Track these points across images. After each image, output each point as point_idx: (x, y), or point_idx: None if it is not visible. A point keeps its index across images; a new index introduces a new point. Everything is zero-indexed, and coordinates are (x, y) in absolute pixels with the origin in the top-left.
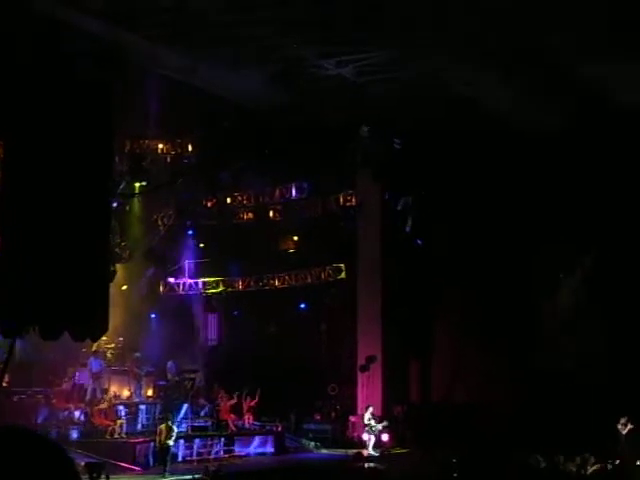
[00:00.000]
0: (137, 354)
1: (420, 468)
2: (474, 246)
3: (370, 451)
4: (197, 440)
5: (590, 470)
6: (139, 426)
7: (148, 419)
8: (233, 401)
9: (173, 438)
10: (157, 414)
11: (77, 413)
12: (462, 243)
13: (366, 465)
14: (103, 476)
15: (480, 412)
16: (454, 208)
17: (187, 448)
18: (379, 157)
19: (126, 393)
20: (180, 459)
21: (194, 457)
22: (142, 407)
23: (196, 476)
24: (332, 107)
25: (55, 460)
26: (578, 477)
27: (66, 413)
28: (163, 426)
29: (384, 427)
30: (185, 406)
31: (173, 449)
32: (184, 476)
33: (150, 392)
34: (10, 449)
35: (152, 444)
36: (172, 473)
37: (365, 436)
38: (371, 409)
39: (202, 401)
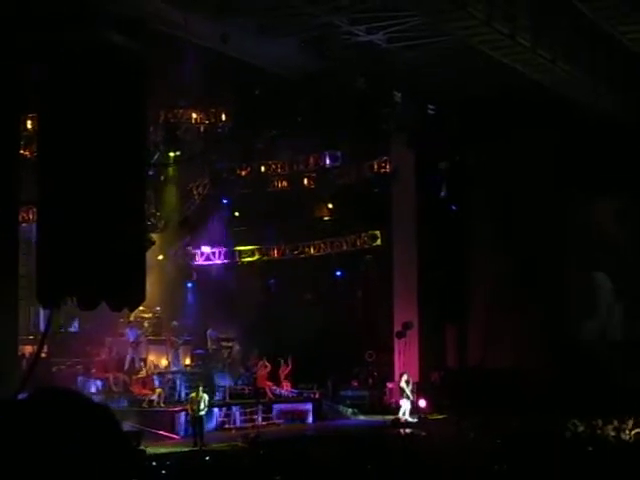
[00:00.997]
0: (174, 323)
1: (458, 434)
2: (509, 211)
3: (407, 417)
4: (235, 408)
5: (630, 434)
6: (177, 395)
7: (186, 388)
8: (269, 368)
9: (205, 407)
10: (194, 382)
11: (116, 383)
12: (497, 208)
13: (403, 431)
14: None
15: (517, 378)
16: (488, 173)
17: (225, 416)
18: (413, 123)
19: (164, 362)
20: (218, 427)
21: (232, 425)
22: (180, 376)
23: (234, 444)
24: (365, 74)
25: (104, 420)
26: (618, 442)
27: (105, 383)
28: (194, 395)
29: (416, 393)
30: (223, 375)
31: (209, 418)
32: (222, 444)
33: (188, 361)
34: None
35: (185, 413)
36: (204, 442)
37: (401, 402)
38: (405, 376)
39: (240, 369)
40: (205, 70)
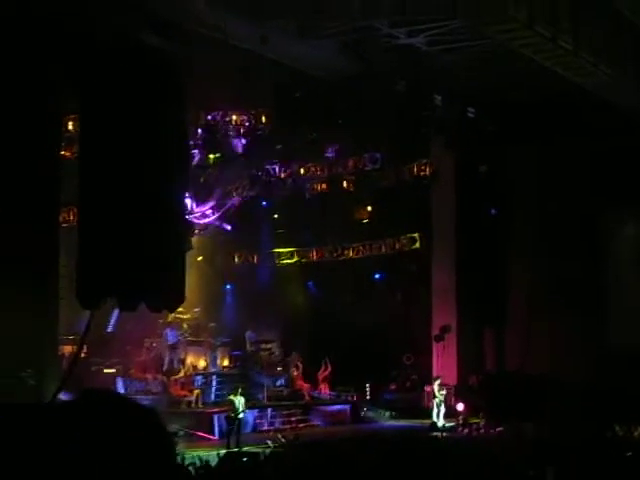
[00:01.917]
0: (212, 324)
1: (496, 438)
2: (548, 216)
3: (441, 421)
4: (272, 410)
5: None
6: (214, 396)
7: (224, 389)
8: (300, 369)
9: (241, 409)
10: (232, 384)
11: (154, 383)
12: (536, 213)
13: (440, 435)
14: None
15: (555, 383)
16: (528, 177)
17: (262, 418)
18: (452, 126)
19: (202, 364)
20: (255, 429)
21: (269, 427)
22: (218, 378)
23: (271, 445)
24: (404, 77)
25: (151, 422)
26: None
27: (143, 384)
28: (232, 396)
29: (445, 397)
30: (260, 376)
31: (246, 419)
32: (258, 445)
33: (226, 362)
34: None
35: (223, 414)
36: (241, 443)
37: (434, 406)
38: (439, 380)
39: (278, 371)
40: (245, 72)
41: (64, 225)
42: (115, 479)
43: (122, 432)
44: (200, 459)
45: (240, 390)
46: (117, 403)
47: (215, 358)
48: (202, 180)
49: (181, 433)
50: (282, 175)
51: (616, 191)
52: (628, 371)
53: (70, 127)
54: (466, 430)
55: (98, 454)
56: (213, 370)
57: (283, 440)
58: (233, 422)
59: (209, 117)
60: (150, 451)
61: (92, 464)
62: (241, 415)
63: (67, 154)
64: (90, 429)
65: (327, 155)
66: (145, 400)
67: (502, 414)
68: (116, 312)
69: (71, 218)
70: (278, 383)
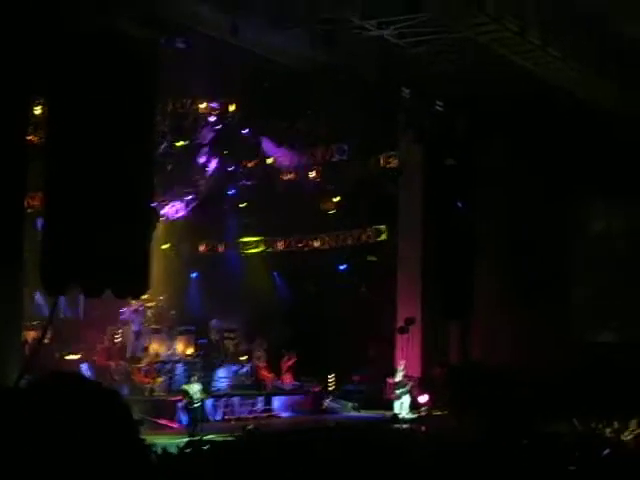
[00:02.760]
0: (172, 312)
1: (455, 431)
2: (516, 210)
3: (405, 413)
4: (235, 399)
5: (630, 436)
6: (177, 384)
7: (187, 377)
8: (264, 359)
9: (198, 397)
10: (195, 372)
11: (118, 370)
12: (504, 207)
13: (402, 426)
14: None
15: (519, 377)
16: (496, 172)
17: (224, 407)
18: (421, 119)
19: (166, 351)
20: (218, 418)
21: (232, 416)
22: (182, 365)
23: (233, 435)
24: (374, 69)
25: (115, 404)
26: (617, 442)
27: (106, 370)
28: (185, 386)
29: (410, 390)
30: (224, 365)
31: (208, 408)
32: (220, 435)
33: (190, 350)
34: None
35: (181, 403)
36: (202, 432)
37: (397, 398)
38: (403, 372)
39: (242, 360)
40: (214, 60)
41: (29, 210)
42: (80, 457)
43: (87, 413)
44: (162, 447)
45: (195, 379)
46: (82, 385)
47: (173, 346)
48: (169, 168)
49: (144, 421)
50: (249, 164)
51: (583, 186)
52: (591, 365)
53: (37, 112)
54: (429, 422)
55: (63, 433)
56: (173, 358)
57: (245, 429)
58: (191, 411)
59: (177, 105)
60: (114, 431)
61: (57, 443)
62: (198, 404)
63: (34, 139)
64: (56, 410)
65: (295, 145)
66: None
67: (465, 406)
68: (80, 298)
69: (36, 204)
70: (242, 372)
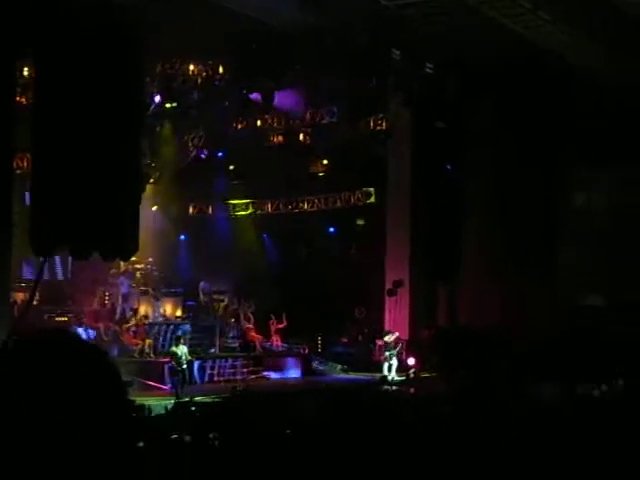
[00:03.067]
0: (155, 273)
1: (443, 392)
2: (505, 173)
3: (393, 375)
4: (224, 361)
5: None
6: (166, 346)
7: (176, 339)
8: (252, 321)
9: (185, 359)
10: (184, 334)
11: (107, 332)
12: (492, 170)
13: (391, 388)
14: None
15: (506, 339)
16: (486, 135)
17: (213, 369)
18: (410, 82)
19: (154, 313)
20: (206, 380)
21: (220, 378)
22: (171, 327)
23: (221, 396)
24: (363, 30)
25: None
26: (602, 401)
27: (95, 332)
28: (174, 348)
29: (398, 352)
30: (213, 327)
31: (196, 370)
32: (208, 396)
33: (178, 312)
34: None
35: (169, 365)
36: (190, 394)
37: (386, 360)
38: (391, 334)
39: (231, 322)
40: (203, 22)
41: (17, 172)
42: (66, 414)
43: (75, 370)
44: (149, 408)
45: (182, 340)
46: (71, 343)
47: (158, 307)
48: (158, 130)
49: (134, 383)
50: (238, 126)
51: (573, 152)
52: (578, 328)
53: (25, 73)
54: (417, 384)
55: (50, 391)
56: (161, 320)
57: (234, 390)
58: (178, 373)
59: (166, 66)
60: (102, 390)
61: (44, 400)
62: (185, 365)
63: (22, 100)
64: (43, 367)
65: (284, 107)
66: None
67: (453, 368)
68: (69, 260)
69: (25, 165)
70: (230, 334)
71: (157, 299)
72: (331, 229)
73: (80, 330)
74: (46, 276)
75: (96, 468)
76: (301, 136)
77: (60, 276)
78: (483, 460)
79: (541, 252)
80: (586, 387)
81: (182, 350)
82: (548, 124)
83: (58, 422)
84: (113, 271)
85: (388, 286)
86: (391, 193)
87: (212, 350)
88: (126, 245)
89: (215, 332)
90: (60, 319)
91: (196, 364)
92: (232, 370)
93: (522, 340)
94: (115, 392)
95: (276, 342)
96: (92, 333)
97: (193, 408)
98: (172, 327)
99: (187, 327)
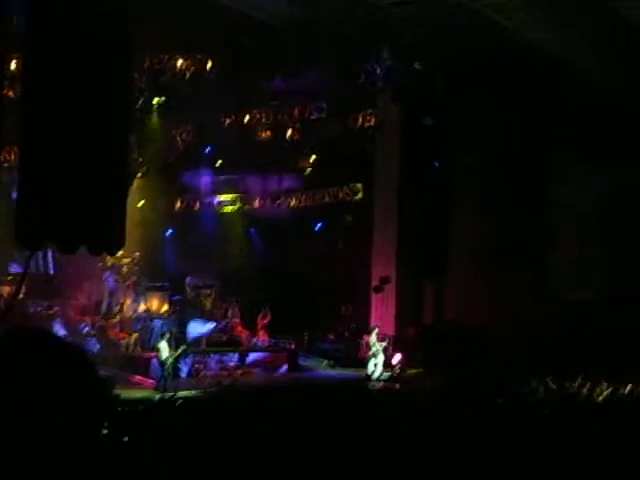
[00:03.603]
0: (135, 268)
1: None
2: (493, 170)
3: (378, 371)
4: (210, 356)
5: (601, 397)
6: (153, 340)
7: (162, 334)
8: (238, 316)
9: (169, 355)
10: (171, 329)
11: (92, 327)
12: (480, 167)
13: (377, 384)
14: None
15: (493, 336)
16: (474, 132)
17: (200, 363)
18: (399, 78)
19: (141, 307)
20: (192, 375)
21: (207, 373)
22: (157, 322)
23: (207, 391)
24: (353, 26)
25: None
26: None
27: (82, 326)
28: (161, 343)
29: (385, 348)
30: (199, 322)
31: (182, 365)
32: (194, 390)
33: (165, 307)
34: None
35: (155, 359)
36: (175, 388)
37: (371, 356)
38: (377, 330)
39: (217, 317)
40: (192, 16)
41: (5, 165)
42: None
43: (50, 368)
44: (134, 402)
45: (168, 336)
46: (47, 340)
47: (148, 302)
48: (145, 124)
49: (117, 378)
50: (226, 121)
51: (562, 145)
52: (566, 323)
53: (13, 66)
54: (403, 380)
55: (26, 388)
56: (147, 315)
57: (220, 386)
58: (164, 368)
59: (154, 61)
60: (78, 385)
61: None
62: (170, 360)
63: (9, 94)
64: (19, 364)
65: (272, 102)
66: (83, 342)
67: (438, 365)
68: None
69: (12, 158)
70: (216, 329)
71: (143, 294)
72: (318, 225)
73: (62, 324)
74: (39, 269)
75: (75, 461)
76: (289, 131)
77: (52, 270)
78: (469, 456)
79: (529, 249)
80: (574, 384)
81: (168, 345)
82: (537, 121)
83: (33, 416)
84: (100, 265)
85: (375, 283)
86: (379, 189)
87: (198, 345)
88: (113, 239)
89: (201, 326)
90: (46, 313)
91: (182, 359)
92: (218, 365)
93: (509, 337)
94: (91, 387)
95: (263, 337)
96: (83, 327)
97: (180, 401)
98: (158, 322)
99: (173, 322)
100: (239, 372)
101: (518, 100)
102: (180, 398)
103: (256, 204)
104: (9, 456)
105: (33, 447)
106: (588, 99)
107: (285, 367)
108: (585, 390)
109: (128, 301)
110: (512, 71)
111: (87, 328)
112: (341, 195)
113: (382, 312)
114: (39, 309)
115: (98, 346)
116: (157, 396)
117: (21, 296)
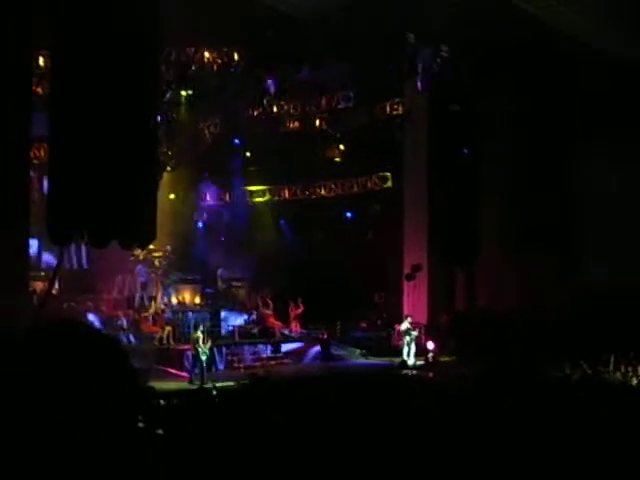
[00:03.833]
0: (163, 262)
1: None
2: (521, 156)
3: (412, 360)
4: (243, 347)
5: (636, 380)
6: (186, 333)
7: (195, 326)
8: (271, 307)
9: (203, 346)
10: (204, 321)
11: (125, 320)
12: (509, 153)
13: (410, 373)
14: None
15: (524, 322)
16: (502, 118)
17: (233, 355)
18: (427, 66)
19: (174, 300)
20: (226, 366)
21: (240, 364)
22: (190, 314)
23: (241, 382)
24: (378, 15)
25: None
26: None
27: (115, 320)
28: (195, 335)
29: (417, 336)
30: (232, 314)
31: (216, 356)
32: (228, 382)
33: (197, 300)
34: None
35: (190, 352)
36: (214, 379)
37: (404, 345)
38: (409, 319)
39: (249, 308)
40: (219, 9)
41: (35, 161)
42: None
43: (87, 359)
44: (169, 394)
45: (202, 327)
46: (85, 333)
47: (168, 295)
48: (174, 117)
49: (151, 370)
50: (254, 113)
51: (590, 130)
52: (599, 309)
53: (41, 63)
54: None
55: (64, 378)
56: (180, 307)
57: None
58: (198, 360)
59: (181, 54)
60: (113, 377)
61: (59, 385)
62: (204, 352)
63: (38, 90)
64: (59, 355)
65: (300, 93)
66: (117, 336)
67: (472, 352)
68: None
69: (42, 154)
70: (249, 320)
71: (178, 287)
72: (348, 214)
73: (96, 318)
74: (73, 264)
75: (108, 452)
76: (317, 122)
77: (85, 265)
78: (502, 444)
79: (558, 232)
80: (605, 369)
81: (201, 337)
82: (564, 105)
83: (68, 408)
84: (131, 259)
85: (406, 271)
86: (408, 177)
87: (231, 337)
88: (144, 233)
89: (235, 318)
90: (79, 307)
91: (216, 351)
92: (252, 357)
93: (541, 322)
94: (125, 379)
95: (295, 328)
96: (119, 321)
97: (214, 393)
98: (191, 314)
99: (206, 314)
100: (272, 363)
101: (543, 85)
102: (215, 389)
103: (286, 195)
104: (46, 445)
105: (70, 436)
106: (614, 82)
107: (318, 356)
108: (619, 374)
109: (160, 294)
110: (537, 56)
111: (124, 322)
112: (370, 184)
113: (414, 300)
114: (72, 304)
115: (133, 339)
116: (192, 388)
117: (54, 291)
